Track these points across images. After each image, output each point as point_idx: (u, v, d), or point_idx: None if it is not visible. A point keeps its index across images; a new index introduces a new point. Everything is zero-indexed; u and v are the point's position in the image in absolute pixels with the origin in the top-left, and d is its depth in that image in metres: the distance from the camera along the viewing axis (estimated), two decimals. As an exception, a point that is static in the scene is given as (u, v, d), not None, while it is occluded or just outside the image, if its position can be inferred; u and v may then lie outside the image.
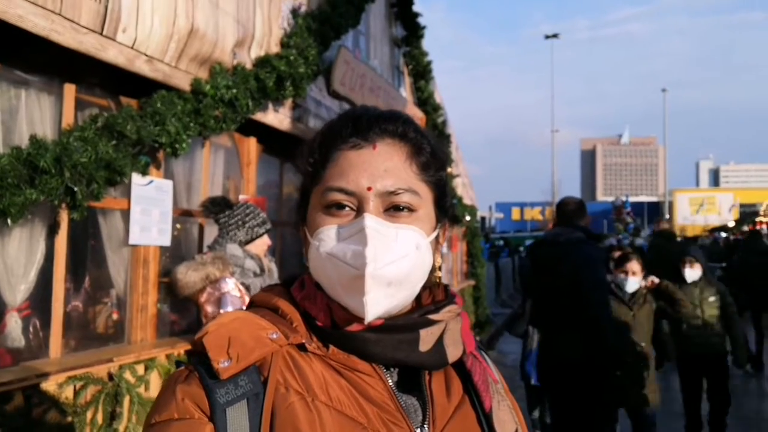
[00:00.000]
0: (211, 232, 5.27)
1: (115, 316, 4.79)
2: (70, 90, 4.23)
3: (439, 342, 1.15)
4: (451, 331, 1.17)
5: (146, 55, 4.39)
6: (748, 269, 11.63)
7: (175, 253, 5.28)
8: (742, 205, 60.79)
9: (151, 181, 4.70)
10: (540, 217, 68.23)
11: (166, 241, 4.95)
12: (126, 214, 4.64)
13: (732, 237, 26.56)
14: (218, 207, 4.67)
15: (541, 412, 6.78)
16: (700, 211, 66.43)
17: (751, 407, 8.81)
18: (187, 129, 4.63)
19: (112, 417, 4.12)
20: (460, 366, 1.20)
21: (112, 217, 4.67)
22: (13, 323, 3.92)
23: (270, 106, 5.96)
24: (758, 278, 11.35)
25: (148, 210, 4.73)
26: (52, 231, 4.08)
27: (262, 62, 5.65)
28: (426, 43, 11.43)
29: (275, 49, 6.03)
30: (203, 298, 4.28)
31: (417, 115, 10.63)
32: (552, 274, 5.35)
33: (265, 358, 1.05)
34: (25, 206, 3.46)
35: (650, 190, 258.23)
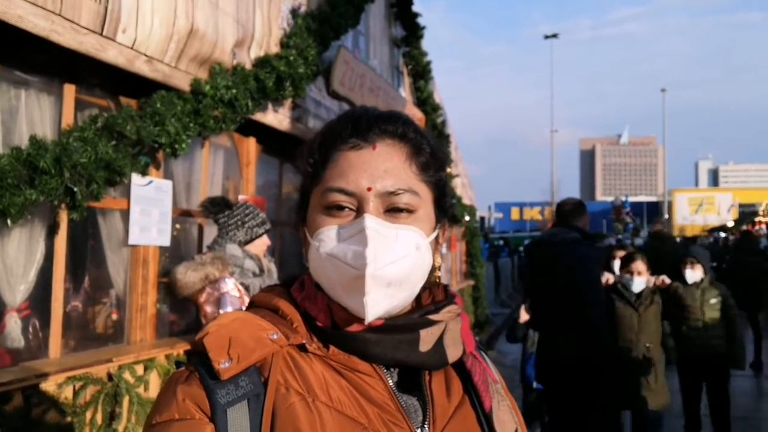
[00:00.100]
0: (211, 232, 5.27)
1: (114, 317, 4.79)
2: (69, 90, 4.24)
3: (439, 342, 1.15)
4: (451, 332, 1.17)
5: (146, 56, 4.39)
6: (742, 269, 11.69)
7: (175, 254, 5.28)
8: (741, 205, 60.82)
9: (150, 182, 4.70)
10: (539, 217, 68.21)
11: (166, 242, 4.96)
12: (125, 215, 4.64)
13: (731, 237, 26.56)
14: (218, 207, 4.67)
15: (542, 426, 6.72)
16: (699, 211, 66.43)
17: (751, 407, 8.81)
18: (187, 129, 4.63)
19: (112, 417, 4.12)
20: (460, 366, 1.20)
21: (111, 218, 4.67)
22: (13, 323, 3.93)
23: (269, 106, 5.96)
24: (752, 278, 11.42)
25: (148, 210, 4.74)
26: (51, 231, 4.08)
27: (262, 62, 5.65)
28: (425, 43, 11.44)
29: (275, 49, 6.03)
30: (202, 298, 4.28)
31: (416, 115, 10.63)
32: (547, 274, 5.36)
33: (265, 358, 1.05)
34: (24, 206, 3.46)
35: (649, 190, 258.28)
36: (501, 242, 35.45)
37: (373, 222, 1.08)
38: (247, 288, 4.43)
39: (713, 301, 6.54)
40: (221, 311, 4.16)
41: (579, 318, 5.08)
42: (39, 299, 4.08)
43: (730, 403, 6.70)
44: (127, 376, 4.27)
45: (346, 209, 1.11)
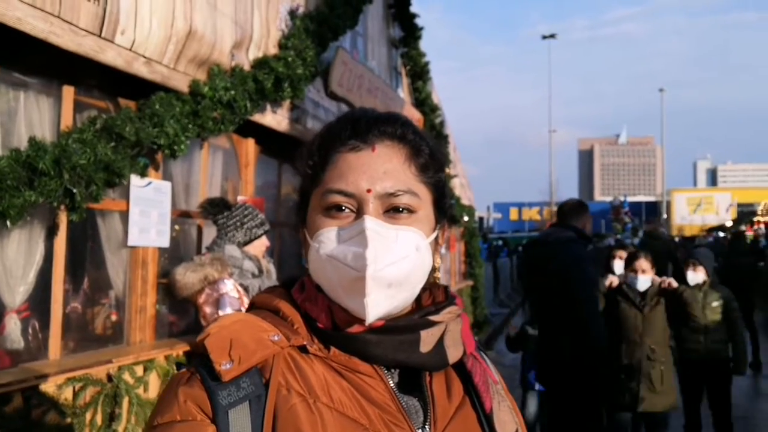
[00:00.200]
0: (210, 233, 5.27)
1: (113, 318, 4.79)
2: (68, 92, 4.24)
3: (440, 343, 1.15)
4: (451, 332, 1.18)
5: (144, 57, 4.39)
6: (735, 270, 11.74)
7: (174, 255, 5.28)
8: (739, 205, 60.82)
9: (149, 183, 4.70)
10: (538, 217, 68.18)
11: (165, 243, 4.96)
12: (125, 216, 4.64)
13: (730, 237, 26.59)
14: (217, 208, 4.67)
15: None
16: (697, 210, 66.39)
17: (749, 407, 8.82)
18: (186, 130, 4.63)
19: (111, 418, 4.12)
20: (460, 367, 1.21)
21: (110, 219, 4.67)
22: (13, 325, 3.93)
23: (268, 107, 5.97)
24: (746, 279, 11.48)
25: (147, 211, 4.74)
26: (51, 233, 4.08)
27: (260, 63, 5.66)
28: (423, 44, 11.44)
29: (273, 50, 6.03)
30: (202, 299, 4.28)
31: (414, 115, 10.64)
32: (543, 273, 5.38)
33: (266, 360, 1.05)
34: (24, 208, 3.47)
35: (648, 190, 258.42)
36: (500, 242, 35.46)
37: (373, 223, 1.08)
38: (246, 289, 4.43)
39: (715, 303, 6.45)
40: (220, 312, 4.17)
41: (572, 317, 5.10)
42: (38, 300, 4.08)
43: (731, 405, 6.63)
44: (126, 377, 4.27)
45: (346, 210, 1.12)
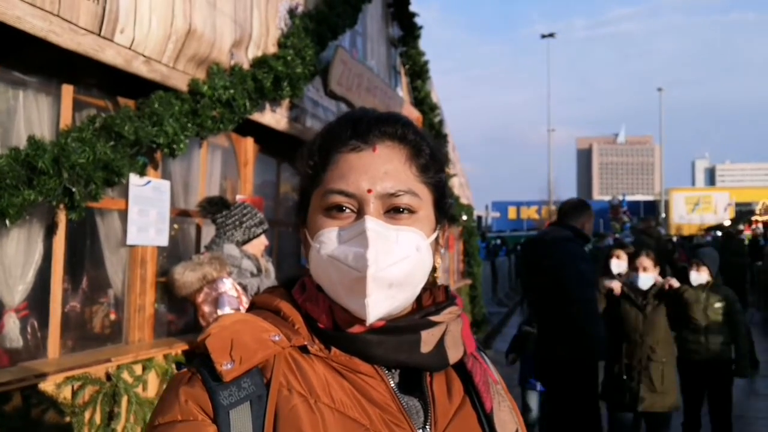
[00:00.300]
0: (209, 232, 5.27)
1: (112, 317, 4.79)
2: (67, 91, 4.23)
3: (440, 343, 1.16)
4: (451, 333, 1.18)
5: (144, 56, 4.39)
6: (728, 270, 11.78)
7: (173, 253, 5.27)
8: (737, 204, 60.82)
9: (148, 182, 4.70)
10: (536, 216, 68.08)
11: (164, 242, 4.96)
12: (123, 215, 4.64)
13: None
14: (215, 207, 4.68)
15: None
16: (695, 210, 66.37)
17: (745, 406, 8.82)
18: (185, 129, 4.63)
19: (110, 417, 4.12)
20: (460, 367, 1.21)
21: (109, 218, 4.67)
22: (11, 324, 3.92)
23: (267, 106, 5.96)
24: (738, 278, 11.53)
25: (146, 210, 4.73)
26: (50, 231, 4.08)
27: (260, 62, 5.65)
28: (422, 43, 11.44)
29: (272, 49, 6.03)
30: (200, 298, 4.28)
31: (414, 114, 10.63)
32: (539, 272, 5.40)
33: (267, 360, 1.06)
34: (23, 207, 3.46)
35: (646, 189, 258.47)
36: (498, 241, 35.42)
37: (373, 224, 1.08)
38: (244, 288, 4.44)
39: (717, 305, 6.36)
40: (219, 311, 4.17)
41: (568, 316, 5.11)
42: (37, 299, 4.08)
43: (731, 407, 6.53)
44: (125, 375, 4.27)
45: (347, 211, 1.12)
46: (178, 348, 4.77)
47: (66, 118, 4.19)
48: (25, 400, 3.56)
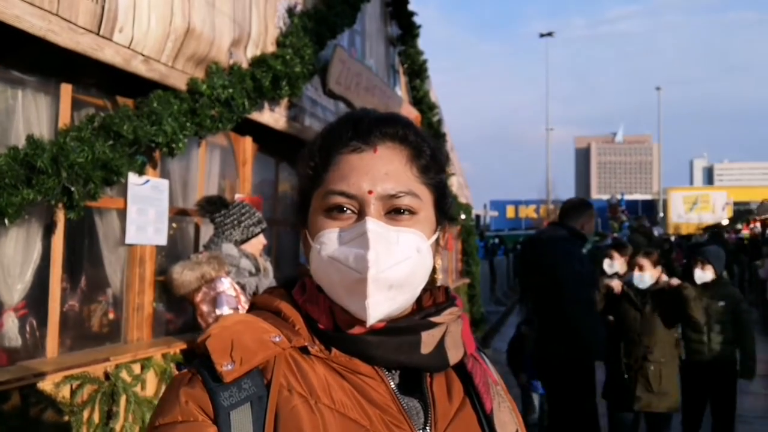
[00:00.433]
0: (207, 231, 5.27)
1: (111, 316, 4.79)
2: (66, 90, 4.23)
3: (440, 344, 1.16)
4: (452, 334, 1.18)
5: (143, 55, 4.38)
6: None
7: (171, 253, 5.27)
8: (735, 203, 60.88)
9: (147, 181, 4.69)
10: (534, 215, 68.05)
11: (162, 241, 4.95)
12: (122, 214, 4.64)
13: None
14: (214, 206, 4.67)
15: None
16: (693, 209, 66.41)
17: (741, 405, 8.80)
18: (184, 129, 4.63)
19: (109, 416, 4.11)
20: (460, 368, 1.21)
21: (108, 217, 4.67)
22: (10, 323, 3.93)
23: (266, 105, 5.96)
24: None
25: (145, 209, 4.73)
26: (48, 231, 4.07)
27: (259, 62, 5.65)
28: (421, 42, 11.43)
29: (271, 48, 6.02)
30: (199, 297, 4.28)
31: (412, 114, 10.63)
32: (535, 272, 5.41)
33: (268, 361, 1.06)
34: (22, 206, 3.46)
35: (644, 188, 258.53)
36: (496, 240, 35.41)
37: (374, 225, 1.08)
38: (243, 287, 4.44)
39: (721, 303, 6.21)
40: (217, 310, 4.17)
41: (563, 316, 5.11)
42: (36, 298, 4.08)
43: (735, 409, 6.40)
44: (124, 375, 4.27)
45: (348, 212, 1.12)
46: (177, 347, 4.77)
47: (65, 118, 4.19)
48: (23, 399, 3.56)
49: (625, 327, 5.88)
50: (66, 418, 3.80)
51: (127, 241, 4.66)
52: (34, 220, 3.97)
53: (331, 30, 6.91)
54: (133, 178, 4.53)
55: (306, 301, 1.18)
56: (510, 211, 74.18)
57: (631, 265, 6.12)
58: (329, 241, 1.11)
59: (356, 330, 1.11)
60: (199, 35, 4.83)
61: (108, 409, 4.11)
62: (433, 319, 1.16)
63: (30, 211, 3.73)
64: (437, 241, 1.21)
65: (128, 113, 4.29)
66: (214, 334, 1.07)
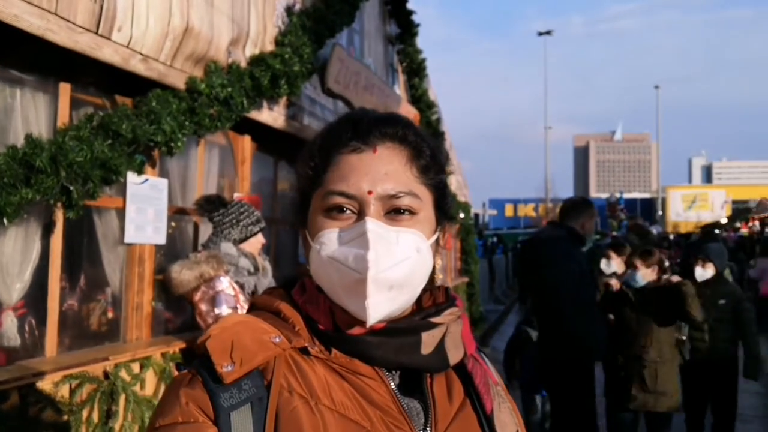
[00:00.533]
0: (206, 230, 5.27)
1: (110, 315, 4.79)
2: (65, 89, 4.22)
3: (441, 345, 1.16)
4: (452, 334, 1.18)
5: (141, 54, 4.38)
6: None
7: (170, 252, 5.27)
8: (734, 202, 61.02)
9: (146, 180, 4.69)
10: (533, 214, 68.12)
11: (161, 240, 4.95)
12: (121, 213, 4.64)
13: (724, 233, 26.67)
14: (212, 205, 4.67)
15: None
16: (692, 207, 66.51)
17: (739, 404, 8.80)
18: (183, 128, 4.62)
19: (108, 415, 4.11)
20: (461, 368, 1.21)
21: (107, 216, 4.66)
22: (9, 322, 3.92)
23: (264, 104, 5.95)
24: None
25: (143, 208, 4.73)
26: (47, 230, 4.07)
27: (257, 60, 5.65)
28: (419, 41, 11.42)
29: (270, 47, 6.02)
30: (197, 296, 4.28)
31: (411, 112, 10.63)
32: (534, 272, 5.40)
33: (268, 361, 1.06)
34: (21, 206, 3.45)
35: (643, 187, 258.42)
36: (494, 239, 35.38)
37: (374, 225, 1.08)
38: (242, 286, 4.43)
39: (722, 302, 6.18)
40: (216, 309, 4.17)
41: (558, 316, 5.11)
42: (35, 298, 4.07)
43: (735, 409, 6.35)
44: (123, 374, 4.26)
45: (347, 212, 1.12)
46: (176, 346, 4.77)
47: (63, 117, 4.18)
48: (22, 398, 3.56)
49: (622, 326, 5.88)
50: (65, 417, 3.80)
51: (126, 240, 4.66)
52: (32, 220, 3.97)
53: (329, 29, 6.90)
54: (132, 177, 4.52)
55: (306, 301, 1.18)
56: (509, 210, 74.24)
57: (629, 265, 6.12)
58: (329, 241, 1.11)
59: (356, 330, 1.11)
60: (198, 34, 4.83)
61: (107, 409, 4.11)
62: (434, 319, 1.16)
63: (29, 210, 3.72)
64: (437, 241, 1.21)
65: (127, 112, 4.29)
66: (214, 334, 1.07)
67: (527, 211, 71.92)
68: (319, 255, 1.12)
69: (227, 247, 4.51)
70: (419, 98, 11.43)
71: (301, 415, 1.01)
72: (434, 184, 1.19)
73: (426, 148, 1.18)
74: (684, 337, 6.04)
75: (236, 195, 5.94)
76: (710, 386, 6.30)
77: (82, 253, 4.56)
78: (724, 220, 38.20)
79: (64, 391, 3.84)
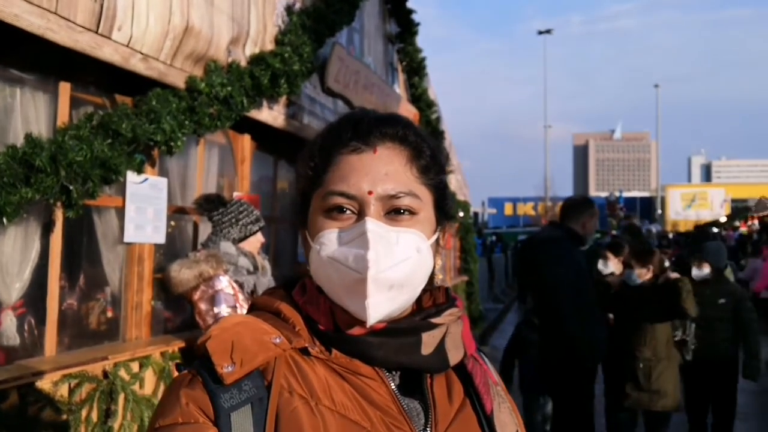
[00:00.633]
0: (206, 229, 5.26)
1: (109, 314, 4.79)
2: (65, 88, 4.22)
3: (441, 345, 1.16)
4: (452, 335, 1.18)
5: (141, 53, 4.38)
6: None
7: (169, 251, 5.27)
8: (733, 200, 61.03)
9: (145, 179, 4.69)
10: (533, 213, 68.08)
11: (161, 239, 4.95)
12: (121, 212, 4.63)
13: (724, 232, 26.69)
14: (212, 204, 4.67)
15: None
16: (691, 206, 66.56)
17: (738, 402, 8.81)
18: (182, 127, 4.62)
19: (107, 415, 4.12)
20: (460, 368, 1.21)
21: (106, 215, 4.66)
22: (8, 321, 3.92)
23: (264, 103, 5.95)
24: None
25: (143, 208, 4.73)
26: (47, 229, 4.07)
27: (257, 60, 5.64)
28: (419, 40, 11.41)
29: (270, 46, 6.02)
30: (197, 295, 4.28)
31: (411, 111, 10.63)
32: (532, 273, 5.40)
33: (268, 362, 1.06)
34: (20, 205, 3.45)
35: (642, 186, 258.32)
36: (494, 238, 35.38)
37: (374, 225, 1.08)
38: (241, 285, 4.43)
39: (721, 301, 6.14)
40: (215, 309, 4.17)
41: (554, 317, 5.10)
42: (34, 297, 4.07)
43: (735, 410, 6.33)
44: (122, 373, 4.26)
45: (347, 212, 1.12)
46: (175, 345, 4.77)
47: (63, 116, 4.18)
48: (22, 398, 3.56)
49: (619, 325, 5.89)
50: (64, 416, 3.80)
51: (126, 239, 4.66)
52: (32, 219, 3.97)
53: (329, 28, 6.90)
54: (131, 176, 4.52)
55: (306, 302, 1.18)
56: (508, 209, 74.18)
57: (627, 265, 6.12)
58: (329, 241, 1.12)
59: (357, 331, 1.11)
60: (198, 33, 4.82)
61: (106, 408, 4.11)
62: (434, 320, 1.16)
63: (28, 209, 3.72)
64: (437, 241, 1.21)
65: (127, 111, 4.29)
66: (215, 335, 1.07)
67: (526, 209, 71.87)
68: (319, 255, 1.12)
69: (226, 246, 4.51)
70: (419, 97, 11.43)
71: (302, 415, 1.01)
72: (434, 184, 1.19)
73: (426, 148, 1.18)
74: (683, 338, 6.03)
75: (236, 194, 5.94)
76: (710, 386, 6.26)
77: (81, 253, 4.56)
78: (723, 219, 38.20)
79: (63, 390, 3.84)
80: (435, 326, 1.16)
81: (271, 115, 6.18)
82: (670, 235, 28.74)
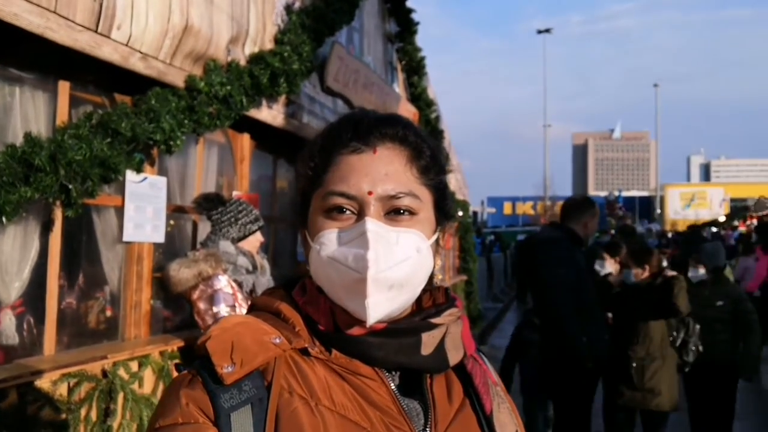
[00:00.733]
0: (205, 228, 5.26)
1: (108, 313, 4.79)
2: (64, 87, 4.22)
3: (441, 345, 1.16)
4: (452, 335, 1.18)
5: (141, 53, 4.37)
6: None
7: (169, 250, 5.27)
8: (732, 200, 61.04)
9: (144, 178, 4.69)
10: (532, 212, 68.07)
11: (160, 238, 4.95)
12: (120, 211, 4.63)
13: (723, 232, 26.70)
14: (211, 204, 4.67)
15: None
16: (690, 205, 66.63)
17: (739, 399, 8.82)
18: (182, 126, 4.62)
19: (106, 414, 4.11)
20: (460, 369, 1.22)
21: (106, 214, 4.66)
22: (7, 321, 3.92)
23: (264, 102, 5.94)
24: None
25: (142, 207, 4.72)
26: (46, 228, 4.07)
27: (256, 59, 5.64)
28: (419, 39, 11.41)
29: (269, 45, 6.02)
30: (196, 295, 4.28)
31: (410, 111, 10.62)
32: (532, 274, 5.40)
33: (268, 362, 1.06)
34: (19, 204, 3.45)
35: (642, 185, 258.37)
36: (493, 237, 35.34)
37: (374, 225, 1.08)
38: (240, 285, 4.43)
39: (720, 302, 6.15)
40: (214, 308, 4.17)
41: (551, 318, 5.10)
42: (33, 296, 4.07)
43: (733, 412, 6.31)
44: (121, 372, 4.26)
45: (347, 212, 1.12)
46: (174, 345, 4.76)
47: (62, 115, 4.18)
48: (21, 397, 3.56)
49: (616, 324, 5.90)
50: (63, 416, 3.80)
51: (125, 238, 4.65)
52: (31, 218, 3.96)
53: (329, 27, 6.89)
54: (130, 175, 4.52)
55: (306, 302, 1.18)
56: (507, 208, 74.21)
57: (624, 265, 6.13)
58: (329, 241, 1.12)
59: (356, 331, 1.11)
60: (197, 32, 4.82)
61: (105, 407, 4.11)
62: (434, 320, 1.16)
63: (28, 208, 3.72)
64: (437, 241, 1.21)
65: (126, 111, 4.28)
66: (215, 335, 1.07)
67: (526, 209, 71.88)
68: (319, 255, 1.12)
69: (226, 246, 4.51)
70: (418, 96, 11.42)
71: (302, 415, 1.01)
72: (434, 184, 1.20)
73: (426, 148, 1.18)
74: (685, 339, 6.00)
75: (235, 193, 5.94)
76: (710, 387, 6.24)
77: (80, 252, 4.55)
78: (722, 218, 38.21)
79: (62, 389, 3.84)
80: (435, 326, 1.16)
81: (271, 114, 6.17)
82: (669, 235, 28.74)
